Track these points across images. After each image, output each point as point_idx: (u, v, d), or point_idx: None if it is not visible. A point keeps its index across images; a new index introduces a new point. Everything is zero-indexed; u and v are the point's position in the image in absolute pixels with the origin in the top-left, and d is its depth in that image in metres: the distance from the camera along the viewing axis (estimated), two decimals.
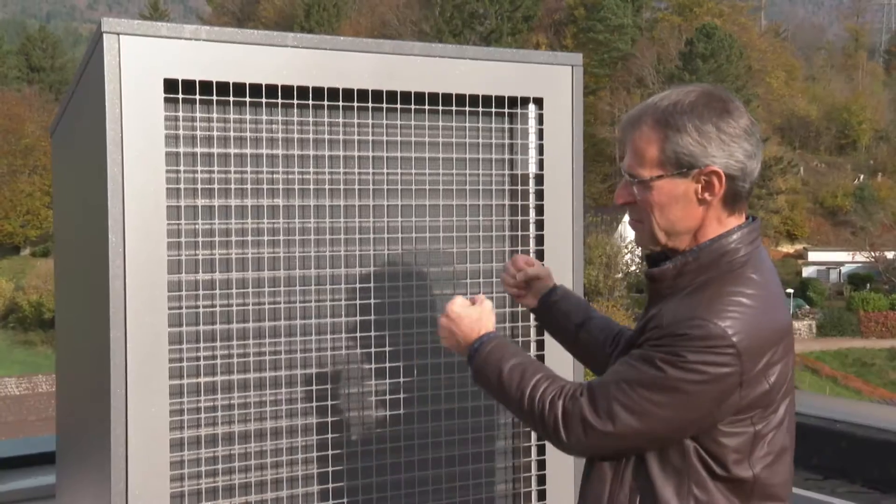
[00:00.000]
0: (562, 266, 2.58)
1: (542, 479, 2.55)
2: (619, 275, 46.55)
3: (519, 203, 2.56)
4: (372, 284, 2.38)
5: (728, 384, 1.67)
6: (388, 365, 2.39)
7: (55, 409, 2.83)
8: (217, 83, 2.19)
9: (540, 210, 2.56)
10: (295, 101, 2.28)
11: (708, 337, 1.65)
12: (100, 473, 2.21)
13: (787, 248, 58.37)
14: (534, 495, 2.55)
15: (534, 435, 2.54)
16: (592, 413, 1.73)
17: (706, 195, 1.75)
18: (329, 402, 2.33)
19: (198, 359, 2.20)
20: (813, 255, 56.02)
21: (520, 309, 2.56)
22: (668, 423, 1.70)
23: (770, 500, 1.78)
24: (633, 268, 47.10)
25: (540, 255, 2.56)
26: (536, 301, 2.25)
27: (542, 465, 2.56)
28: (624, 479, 1.78)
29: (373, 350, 2.37)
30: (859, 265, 53.23)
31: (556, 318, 2.22)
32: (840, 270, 54.23)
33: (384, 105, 2.37)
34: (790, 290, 46.34)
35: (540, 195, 2.56)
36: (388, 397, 2.40)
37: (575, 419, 1.75)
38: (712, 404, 1.68)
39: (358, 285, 2.37)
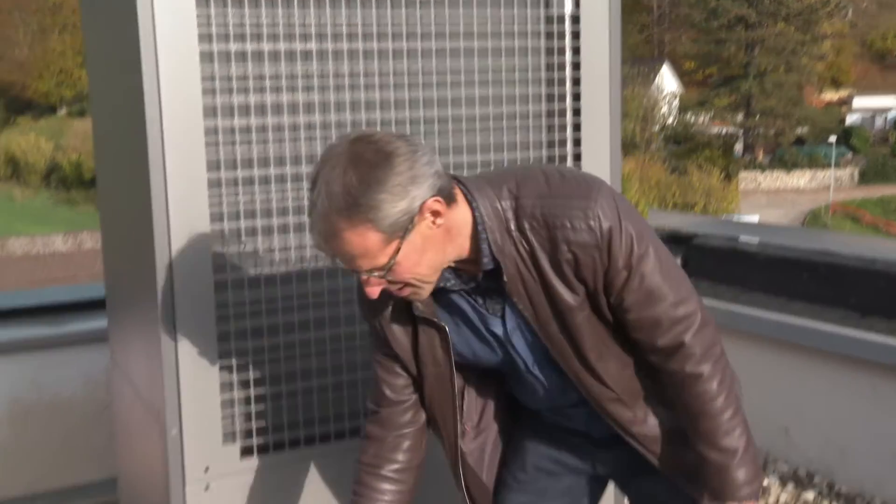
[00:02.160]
0: (599, 116, 2.56)
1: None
2: (656, 127, 45.94)
3: (555, 44, 2.51)
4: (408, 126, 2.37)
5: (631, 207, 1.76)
6: None
7: (102, 259, 2.90)
8: None
9: (577, 52, 2.51)
10: None
11: (588, 208, 1.67)
12: (148, 316, 2.28)
13: (830, 96, 56.97)
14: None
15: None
16: (693, 334, 1.75)
17: (439, 220, 1.66)
18: None
19: (237, 203, 2.23)
20: (858, 102, 54.67)
21: None
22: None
23: None
24: (670, 120, 46.37)
25: (576, 98, 2.53)
26: None
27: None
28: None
29: None
30: None
31: None
32: (886, 116, 52.96)
33: None
34: (832, 139, 45.49)
35: (577, 36, 2.50)
36: None
37: (694, 347, 1.76)
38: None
39: (394, 125, 2.36)
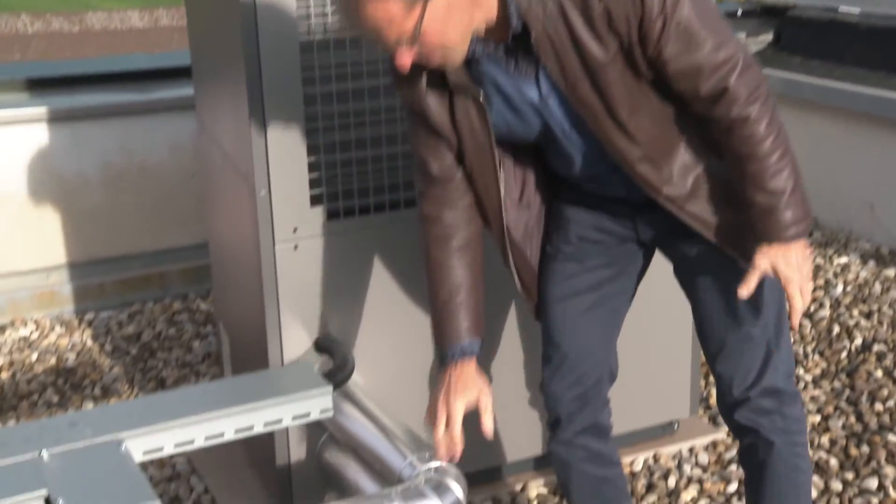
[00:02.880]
0: None
1: None
2: None
3: None
4: None
5: None
6: None
7: (187, 25, 2.87)
8: None
9: None
10: None
11: None
12: (235, 82, 2.29)
13: None
14: None
15: None
16: (744, 87, 1.72)
17: None
18: None
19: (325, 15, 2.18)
20: None
21: None
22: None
23: None
24: None
25: None
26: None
27: None
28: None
29: None
30: None
31: None
32: None
33: None
34: None
35: None
36: None
37: (743, 88, 1.73)
38: None
39: None
